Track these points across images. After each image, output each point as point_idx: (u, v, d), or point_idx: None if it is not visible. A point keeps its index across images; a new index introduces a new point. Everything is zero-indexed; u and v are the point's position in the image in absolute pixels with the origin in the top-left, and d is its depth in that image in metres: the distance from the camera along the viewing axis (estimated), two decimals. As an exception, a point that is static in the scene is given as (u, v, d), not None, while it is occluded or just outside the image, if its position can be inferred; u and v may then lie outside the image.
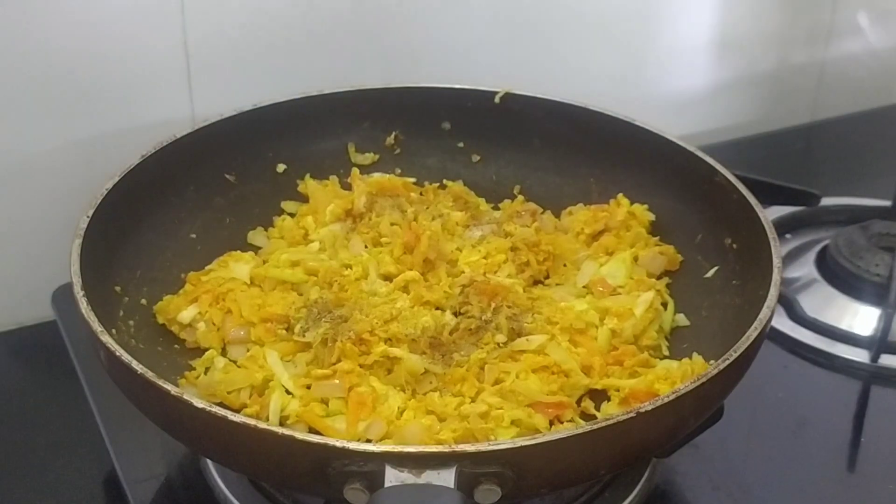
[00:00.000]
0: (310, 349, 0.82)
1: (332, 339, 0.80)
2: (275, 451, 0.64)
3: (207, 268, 0.90)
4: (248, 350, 0.83)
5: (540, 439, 0.63)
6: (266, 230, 0.97)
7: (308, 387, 0.79)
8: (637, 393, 0.78)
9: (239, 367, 0.81)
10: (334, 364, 0.79)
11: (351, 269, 0.89)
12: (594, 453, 0.66)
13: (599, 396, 0.81)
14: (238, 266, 0.89)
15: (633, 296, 0.88)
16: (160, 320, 0.86)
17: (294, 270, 0.90)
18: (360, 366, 0.79)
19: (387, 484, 0.60)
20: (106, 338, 0.70)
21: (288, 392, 0.79)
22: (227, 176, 0.97)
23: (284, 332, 0.84)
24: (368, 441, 0.73)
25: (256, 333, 0.84)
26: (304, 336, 0.82)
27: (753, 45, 1.37)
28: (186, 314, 0.85)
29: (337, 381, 0.78)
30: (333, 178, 1.00)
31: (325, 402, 0.78)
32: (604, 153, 0.99)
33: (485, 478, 0.62)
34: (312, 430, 0.75)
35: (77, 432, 0.89)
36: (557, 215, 0.99)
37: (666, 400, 0.66)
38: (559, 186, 1.01)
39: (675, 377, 0.78)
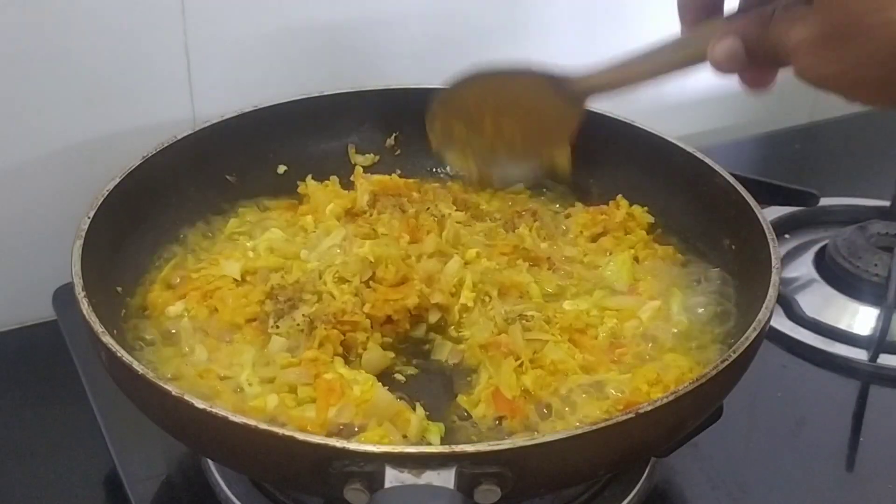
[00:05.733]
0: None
1: (311, 326, 0.81)
2: (275, 452, 0.64)
3: (198, 265, 0.90)
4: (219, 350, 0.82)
5: (539, 440, 0.63)
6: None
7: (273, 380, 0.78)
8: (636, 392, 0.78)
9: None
10: (316, 348, 0.79)
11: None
12: (593, 454, 0.67)
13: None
14: (228, 264, 0.89)
15: (639, 300, 0.88)
16: (150, 313, 0.85)
17: (273, 255, 0.90)
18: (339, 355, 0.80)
19: (387, 484, 0.61)
20: (107, 338, 0.70)
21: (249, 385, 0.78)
22: (228, 177, 0.97)
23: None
24: (341, 426, 0.73)
25: (242, 335, 0.83)
26: (276, 328, 0.82)
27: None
28: (174, 309, 0.85)
29: (304, 370, 0.78)
30: (334, 179, 1.01)
31: (293, 391, 0.77)
32: (603, 154, 0.99)
33: (484, 478, 0.62)
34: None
35: (78, 432, 0.89)
36: (557, 216, 0.99)
37: (665, 400, 0.66)
38: (558, 187, 1.02)
39: (668, 381, 0.78)
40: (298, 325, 0.82)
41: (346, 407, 0.74)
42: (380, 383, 0.77)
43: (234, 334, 0.83)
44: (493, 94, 0.84)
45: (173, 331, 0.83)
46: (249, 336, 0.83)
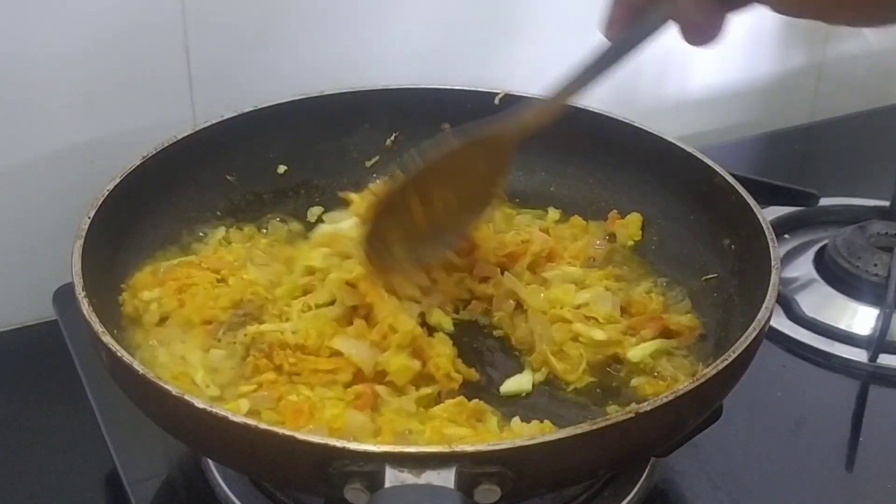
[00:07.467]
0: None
1: (246, 353, 0.80)
2: (275, 451, 0.64)
3: (184, 258, 0.90)
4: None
5: (539, 439, 0.64)
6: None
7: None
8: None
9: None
10: (251, 378, 0.78)
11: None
12: (593, 453, 0.67)
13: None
14: None
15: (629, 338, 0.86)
16: (128, 293, 0.84)
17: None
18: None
19: (387, 484, 0.61)
20: (107, 338, 0.70)
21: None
22: (228, 177, 0.97)
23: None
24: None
25: (193, 335, 0.82)
26: (219, 340, 0.81)
27: (752, 46, 1.37)
28: (148, 294, 0.84)
29: (265, 393, 0.77)
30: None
31: (255, 413, 0.76)
32: (603, 155, 0.99)
33: (484, 478, 0.62)
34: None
35: (78, 432, 0.89)
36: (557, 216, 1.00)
37: (665, 400, 0.66)
38: (558, 188, 1.02)
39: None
40: (238, 343, 0.81)
41: (318, 430, 0.73)
42: (349, 403, 0.76)
43: (188, 332, 0.82)
44: (420, 187, 0.81)
45: (143, 314, 0.83)
46: (199, 338, 0.82)
